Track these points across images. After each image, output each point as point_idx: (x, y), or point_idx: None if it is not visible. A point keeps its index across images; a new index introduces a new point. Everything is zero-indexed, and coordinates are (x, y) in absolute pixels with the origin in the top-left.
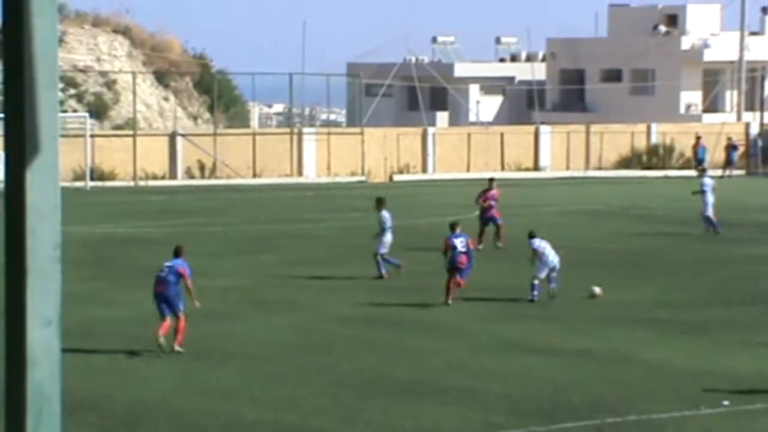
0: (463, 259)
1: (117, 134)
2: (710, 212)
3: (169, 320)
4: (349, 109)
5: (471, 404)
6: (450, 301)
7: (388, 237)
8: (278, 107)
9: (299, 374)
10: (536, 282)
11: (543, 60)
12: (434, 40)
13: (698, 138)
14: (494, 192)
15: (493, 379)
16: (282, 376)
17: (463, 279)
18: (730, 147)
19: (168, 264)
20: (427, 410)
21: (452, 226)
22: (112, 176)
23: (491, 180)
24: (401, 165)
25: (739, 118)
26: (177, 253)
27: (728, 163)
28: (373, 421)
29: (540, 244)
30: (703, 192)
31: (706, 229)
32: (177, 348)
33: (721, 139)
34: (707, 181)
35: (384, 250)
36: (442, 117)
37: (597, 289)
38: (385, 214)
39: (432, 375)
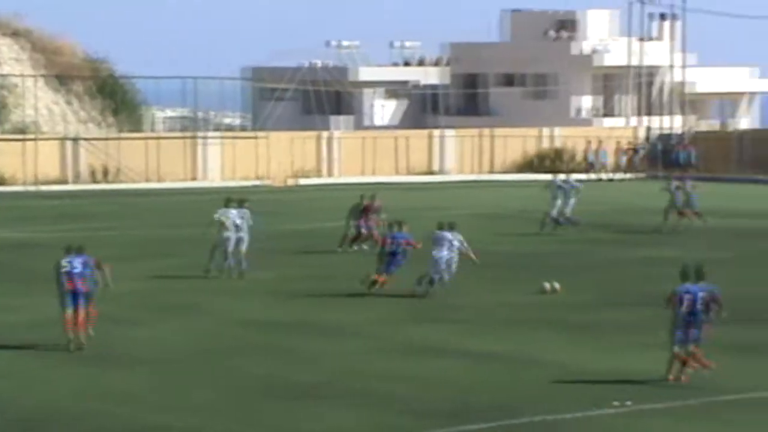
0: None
1: (13, 138)
2: (556, 213)
3: (76, 312)
4: (251, 113)
5: (373, 406)
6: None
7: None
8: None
9: (201, 378)
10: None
11: (440, 64)
12: (335, 43)
13: (588, 142)
14: (376, 204)
15: (396, 381)
16: (184, 380)
17: (383, 276)
18: (630, 150)
19: (72, 259)
20: (329, 413)
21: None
22: (8, 181)
23: (371, 197)
24: (304, 169)
25: (632, 122)
26: (78, 251)
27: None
28: (274, 424)
29: (439, 234)
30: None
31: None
32: (90, 332)
33: (610, 142)
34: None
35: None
36: (345, 121)
37: (548, 285)
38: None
39: (334, 378)
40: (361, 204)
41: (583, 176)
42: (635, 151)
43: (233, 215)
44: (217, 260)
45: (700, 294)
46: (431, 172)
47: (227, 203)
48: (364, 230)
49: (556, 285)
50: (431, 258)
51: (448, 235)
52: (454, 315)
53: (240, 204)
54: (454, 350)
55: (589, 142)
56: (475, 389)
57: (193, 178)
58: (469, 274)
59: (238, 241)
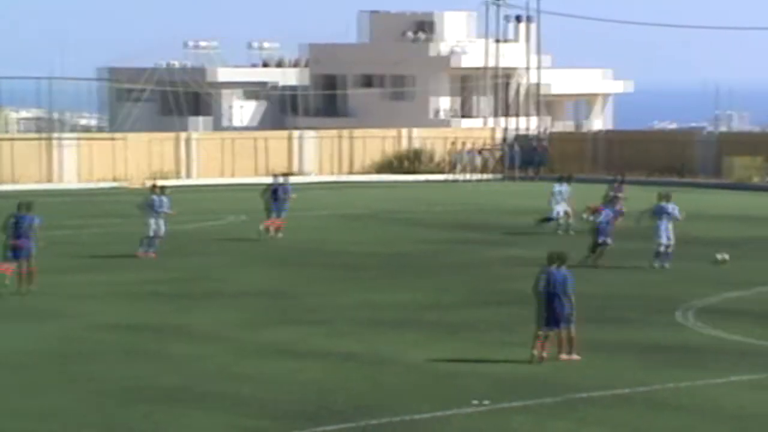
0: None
1: None
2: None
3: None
4: (110, 114)
5: (234, 409)
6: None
7: None
8: (34, 112)
9: (62, 383)
10: None
11: (301, 65)
12: (192, 44)
13: (462, 143)
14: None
15: (257, 383)
16: (44, 385)
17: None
18: (485, 151)
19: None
20: (190, 416)
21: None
22: None
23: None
24: (162, 170)
25: (490, 123)
26: (28, 208)
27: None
28: (135, 429)
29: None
30: None
31: None
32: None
33: (468, 143)
34: None
35: None
36: (204, 122)
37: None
38: None
39: (195, 381)
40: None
41: (441, 177)
42: (488, 151)
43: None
44: None
45: (560, 278)
46: (291, 173)
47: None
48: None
49: (726, 256)
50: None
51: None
52: (314, 316)
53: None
54: (314, 351)
55: (453, 143)
56: (334, 390)
57: (49, 180)
58: (329, 275)
59: None
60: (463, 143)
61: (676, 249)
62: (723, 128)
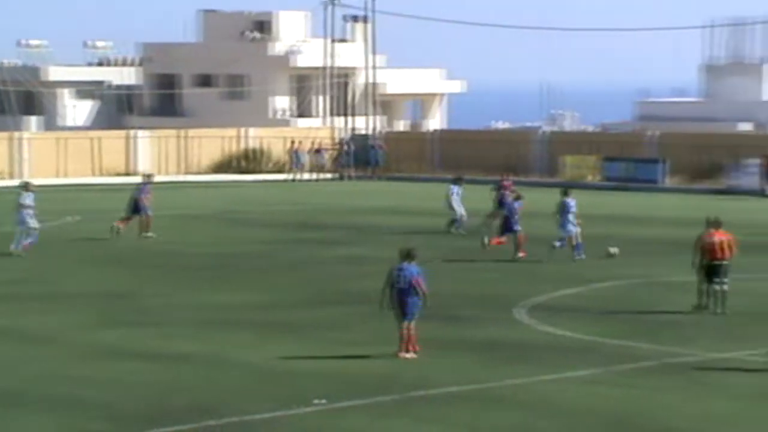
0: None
1: None
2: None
3: None
4: None
5: (68, 412)
6: None
7: None
8: None
9: None
10: None
11: (136, 64)
12: (24, 42)
13: (299, 142)
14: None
15: (94, 385)
16: None
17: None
18: (317, 151)
19: None
20: (25, 419)
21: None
22: None
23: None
24: None
25: (327, 122)
26: None
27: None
28: None
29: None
30: None
31: None
32: None
33: (306, 143)
34: None
35: None
36: (37, 121)
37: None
38: None
39: (27, 384)
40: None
41: (280, 177)
42: (319, 151)
43: None
44: None
45: (413, 272)
46: (127, 173)
47: None
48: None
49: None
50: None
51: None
52: (151, 317)
53: None
54: (151, 353)
55: (293, 143)
56: (171, 391)
57: None
58: (165, 276)
59: None
60: (300, 142)
61: (509, 246)
62: (555, 128)
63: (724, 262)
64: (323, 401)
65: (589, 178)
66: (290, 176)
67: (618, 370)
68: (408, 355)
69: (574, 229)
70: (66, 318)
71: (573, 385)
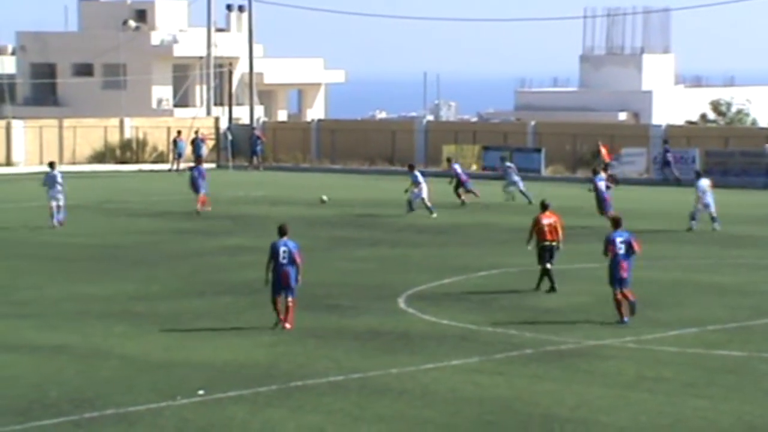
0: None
1: None
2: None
3: None
4: None
5: None
6: None
7: None
8: None
9: None
10: None
11: (12, 53)
12: None
13: (179, 132)
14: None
15: None
16: None
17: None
18: (197, 141)
19: None
20: None
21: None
22: None
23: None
24: None
25: (209, 112)
26: None
27: (197, 157)
28: None
29: None
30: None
31: None
32: None
33: (188, 134)
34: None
35: None
36: None
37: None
38: None
39: None
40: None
41: (160, 167)
42: (201, 141)
43: None
44: None
45: (293, 247)
46: (4, 164)
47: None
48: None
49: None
50: None
51: None
52: (23, 309)
53: None
54: (24, 345)
55: (179, 133)
56: (46, 384)
57: None
58: (39, 268)
59: None
60: (180, 132)
61: (393, 236)
62: (431, 117)
63: (554, 244)
64: (203, 392)
65: (474, 168)
66: (172, 167)
67: (499, 358)
68: (288, 325)
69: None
70: None
71: (455, 373)
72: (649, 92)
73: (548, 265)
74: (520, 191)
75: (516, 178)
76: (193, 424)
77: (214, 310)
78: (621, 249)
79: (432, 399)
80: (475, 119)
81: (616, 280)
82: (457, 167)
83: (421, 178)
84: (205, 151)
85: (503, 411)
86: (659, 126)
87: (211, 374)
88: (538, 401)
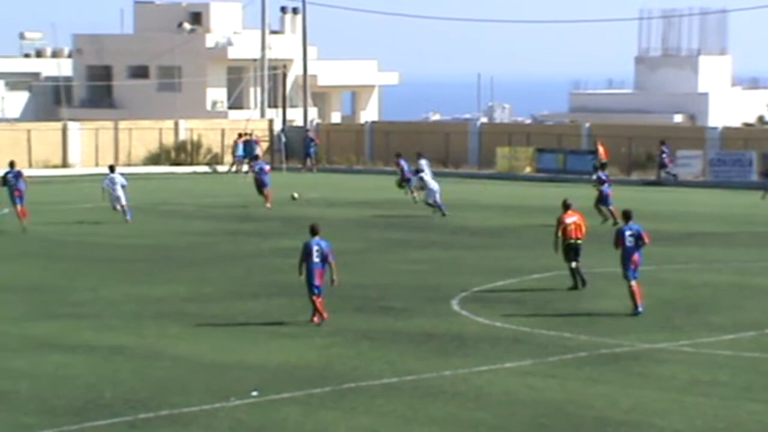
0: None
1: None
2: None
3: None
4: None
5: (0, 406)
6: None
7: None
8: None
9: None
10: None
11: (69, 56)
12: None
13: (239, 135)
14: None
15: (23, 379)
16: None
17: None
18: (251, 142)
19: None
20: None
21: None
22: None
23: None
24: None
25: (263, 114)
26: None
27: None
28: None
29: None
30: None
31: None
32: None
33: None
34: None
35: None
36: None
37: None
38: None
39: None
40: None
41: (212, 168)
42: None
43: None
44: None
45: (326, 246)
46: (61, 165)
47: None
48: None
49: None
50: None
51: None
52: (80, 310)
53: None
54: (81, 345)
55: (241, 135)
56: (101, 384)
57: None
58: (94, 269)
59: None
60: (240, 135)
61: (447, 238)
62: (485, 119)
63: (578, 242)
64: (256, 393)
65: (528, 170)
66: (231, 168)
67: (552, 361)
68: (316, 319)
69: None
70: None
71: (508, 375)
72: (706, 94)
73: (574, 264)
74: (428, 203)
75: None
76: (247, 426)
77: (267, 311)
78: (630, 242)
79: (485, 401)
80: (528, 121)
81: (628, 271)
82: (403, 163)
83: (426, 178)
84: (259, 152)
85: (556, 414)
86: (715, 128)
87: (265, 376)
88: (592, 404)
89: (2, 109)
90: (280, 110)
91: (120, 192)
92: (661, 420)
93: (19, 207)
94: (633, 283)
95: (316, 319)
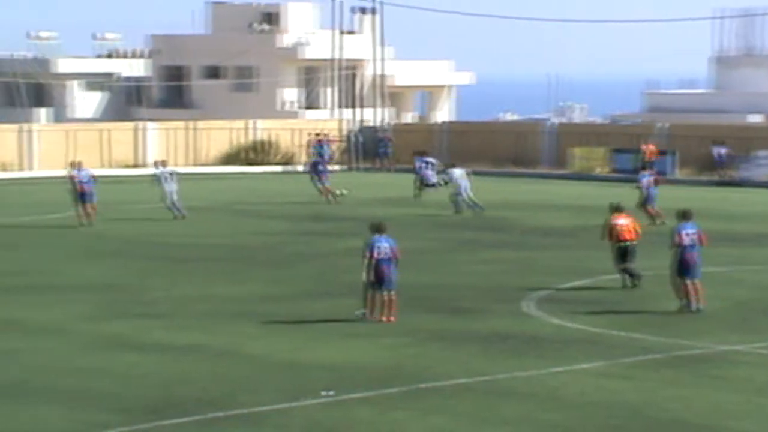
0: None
1: None
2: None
3: None
4: None
5: (75, 403)
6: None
7: None
8: None
9: None
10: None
11: (144, 56)
12: (33, 34)
13: (317, 134)
14: None
15: (98, 377)
16: None
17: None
18: (322, 142)
19: None
20: (30, 411)
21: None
22: None
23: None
24: (2, 162)
25: (336, 114)
26: None
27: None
28: None
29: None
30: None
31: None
32: None
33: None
34: None
35: None
36: (44, 113)
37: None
38: None
39: (34, 375)
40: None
41: (287, 168)
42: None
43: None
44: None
45: (391, 244)
46: (136, 165)
47: None
48: None
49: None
50: None
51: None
52: (153, 309)
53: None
54: (155, 344)
55: (317, 134)
56: (176, 383)
57: None
58: (167, 268)
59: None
60: (318, 134)
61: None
62: (563, 119)
63: (631, 243)
64: (331, 393)
65: (598, 170)
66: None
67: (627, 363)
68: (393, 318)
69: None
70: (71, 309)
71: (582, 377)
72: None
73: (630, 265)
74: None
75: (434, 180)
76: (320, 425)
77: (340, 311)
78: (687, 241)
79: (559, 403)
80: (602, 121)
81: (684, 270)
82: (419, 161)
83: (456, 175)
84: (330, 152)
85: (631, 416)
86: None
87: (337, 375)
88: (668, 407)
89: (79, 109)
90: (354, 110)
91: (173, 186)
92: (738, 423)
93: (89, 205)
94: (690, 282)
95: (393, 318)
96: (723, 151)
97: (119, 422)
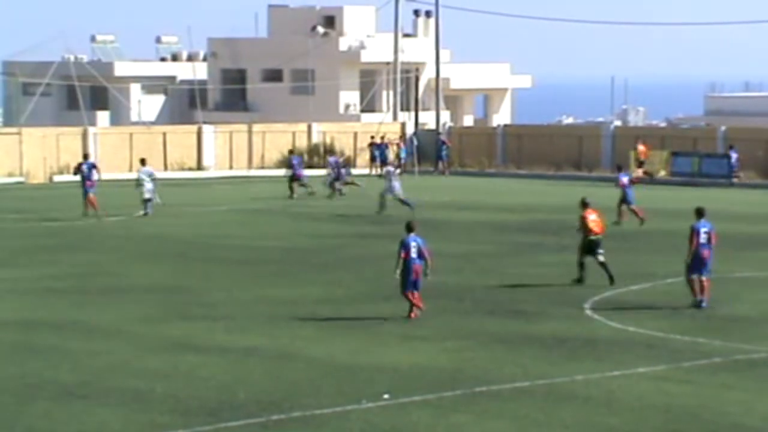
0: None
1: None
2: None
3: None
4: (6, 109)
5: (135, 405)
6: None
7: None
8: None
9: None
10: None
11: (204, 59)
12: (93, 38)
13: (382, 137)
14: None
15: (158, 379)
16: None
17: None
18: (381, 146)
19: None
20: (91, 412)
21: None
22: None
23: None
24: (61, 165)
25: (395, 117)
26: None
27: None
28: (34, 426)
29: None
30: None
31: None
32: None
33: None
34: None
35: None
36: (103, 116)
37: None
38: None
39: (95, 377)
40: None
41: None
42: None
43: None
44: None
45: (422, 243)
46: (196, 168)
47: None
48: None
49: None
50: None
51: None
52: (214, 312)
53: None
54: (214, 346)
55: (382, 137)
56: (236, 385)
57: None
58: (227, 271)
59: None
60: (381, 137)
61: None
62: (619, 123)
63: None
64: (388, 396)
65: (662, 174)
66: (371, 171)
67: (686, 367)
68: (414, 315)
69: None
70: (131, 311)
71: (641, 381)
72: None
73: (601, 258)
74: (399, 199)
75: (396, 183)
76: (379, 428)
77: (398, 314)
78: (704, 238)
79: (617, 406)
80: (663, 124)
81: (697, 266)
82: (295, 160)
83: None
84: (390, 155)
85: (690, 420)
86: None
87: (396, 378)
88: (727, 411)
89: (139, 112)
90: (413, 113)
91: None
92: None
93: (90, 195)
94: (698, 277)
95: (413, 315)
96: None
97: (179, 424)
